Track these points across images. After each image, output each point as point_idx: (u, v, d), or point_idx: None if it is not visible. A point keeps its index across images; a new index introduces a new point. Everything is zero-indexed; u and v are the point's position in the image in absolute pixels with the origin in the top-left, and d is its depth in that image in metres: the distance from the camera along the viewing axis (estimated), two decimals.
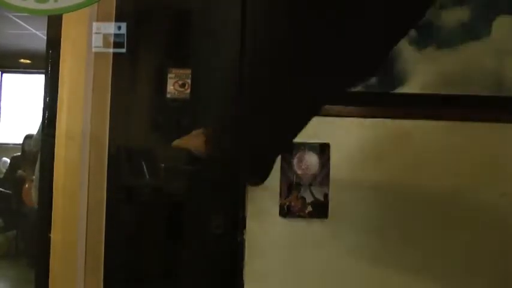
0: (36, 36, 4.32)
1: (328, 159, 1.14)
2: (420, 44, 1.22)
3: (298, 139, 1.14)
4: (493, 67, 1.22)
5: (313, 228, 1.14)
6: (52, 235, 1.25)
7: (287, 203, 1.15)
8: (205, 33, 1.26)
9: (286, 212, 1.15)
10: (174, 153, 1.28)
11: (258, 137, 0.97)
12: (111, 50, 1.28)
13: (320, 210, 1.13)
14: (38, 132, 2.74)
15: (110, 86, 1.29)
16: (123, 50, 1.28)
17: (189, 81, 1.30)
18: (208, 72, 1.26)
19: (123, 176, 1.38)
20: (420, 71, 1.21)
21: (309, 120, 1.00)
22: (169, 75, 1.31)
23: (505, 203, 1.16)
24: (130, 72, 1.38)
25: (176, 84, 1.31)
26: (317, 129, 1.15)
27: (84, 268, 1.28)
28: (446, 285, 1.17)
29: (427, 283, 1.17)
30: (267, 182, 1.11)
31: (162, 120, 1.37)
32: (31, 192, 3.12)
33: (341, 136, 1.15)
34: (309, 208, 1.15)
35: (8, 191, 3.89)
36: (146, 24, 1.36)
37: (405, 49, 1.21)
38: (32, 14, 1.01)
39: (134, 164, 1.42)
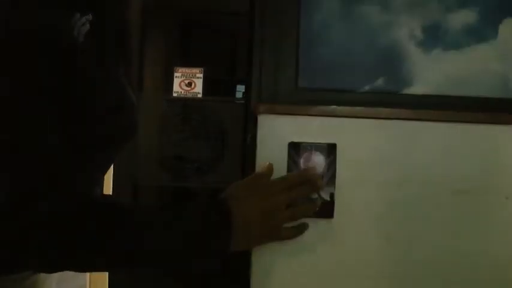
0: None
1: (335, 159, 1.14)
2: (427, 45, 1.22)
3: (305, 139, 1.15)
4: (499, 69, 1.22)
5: (319, 227, 1.14)
6: None
7: None
8: None
9: None
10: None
11: None
12: None
13: (326, 209, 1.14)
14: None
15: None
16: None
17: None
18: None
19: None
20: (427, 72, 1.22)
21: None
22: None
23: (510, 205, 1.16)
24: None
25: None
26: (324, 130, 1.16)
27: None
28: None
29: (433, 285, 1.17)
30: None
31: None
32: None
33: (348, 136, 1.16)
34: None
35: None
36: None
37: (412, 50, 1.22)
38: None
39: None
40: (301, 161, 1.15)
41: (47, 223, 0.85)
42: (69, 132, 0.87)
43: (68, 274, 1.05)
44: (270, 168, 1.10)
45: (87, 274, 1.26)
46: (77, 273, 1.11)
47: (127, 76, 0.99)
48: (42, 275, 0.98)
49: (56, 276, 1.02)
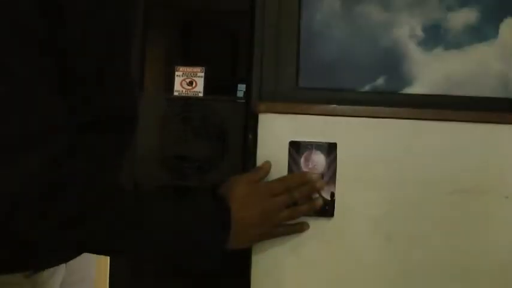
0: None
1: (335, 158, 1.14)
2: (428, 45, 1.22)
3: (305, 138, 1.15)
4: (500, 69, 1.22)
5: (319, 226, 1.14)
6: None
7: None
8: None
9: None
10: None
11: None
12: None
13: (326, 209, 1.14)
14: None
15: None
16: None
17: None
18: None
19: None
20: (428, 72, 1.22)
21: None
22: None
23: (510, 205, 1.16)
24: None
25: None
26: (324, 129, 1.16)
27: None
28: None
29: (432, 284, 1.17)
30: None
31: None
32: None
33: (348, 136, 1.16)
34: None
35: None
36: None
37: (413, 50, 1.22)
38: None
39: None
40: (302, 160, 1.15)
41: (45, 222, 0.86)
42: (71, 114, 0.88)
43: (75, 278, 1.07)
44: (267, 165, 1.11)
45: (93, 276, 1.26)
46: (82, 278, 1.13)
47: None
48: (44, 275, 0.98)
49: (59, 278, 1.03)
